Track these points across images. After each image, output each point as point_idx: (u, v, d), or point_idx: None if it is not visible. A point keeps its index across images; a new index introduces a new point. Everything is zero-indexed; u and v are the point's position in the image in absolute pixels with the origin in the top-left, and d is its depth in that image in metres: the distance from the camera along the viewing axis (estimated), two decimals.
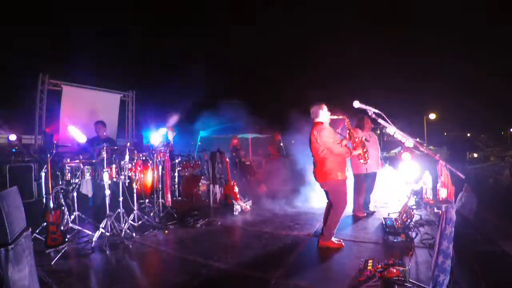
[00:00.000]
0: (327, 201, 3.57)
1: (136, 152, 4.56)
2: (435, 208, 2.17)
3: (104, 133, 5.07)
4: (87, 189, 4.96)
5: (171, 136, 6.37)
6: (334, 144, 3.31)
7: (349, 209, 4.93)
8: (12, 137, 6.62)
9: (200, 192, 6.34)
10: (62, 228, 3.28)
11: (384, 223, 3.80)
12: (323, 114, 3.48)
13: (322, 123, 3.47)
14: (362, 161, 3.64)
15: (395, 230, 3.54)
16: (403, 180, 6.42)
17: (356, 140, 3.55)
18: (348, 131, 3.54)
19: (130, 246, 3.56)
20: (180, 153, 6.93)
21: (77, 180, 4.05)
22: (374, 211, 4.98)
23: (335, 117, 3.55)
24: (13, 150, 6.63)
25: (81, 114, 7.88)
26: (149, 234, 4.05)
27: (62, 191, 3.72)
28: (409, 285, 2.30)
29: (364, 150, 3.60)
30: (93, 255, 3.32)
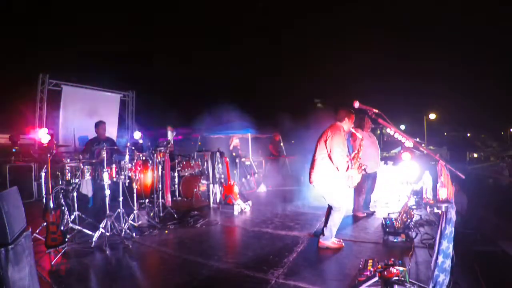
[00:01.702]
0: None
1: (136, 152, 4.56)
2: (435, 208, 2.17)
3: (105, 134, 5.07)
4: (87, 189, 4.97)
5: (171, 136, 6.37)
6: (338, 153, 3.23)
7: (349, 208, 4.95)
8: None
9: (200, 192, 6.35)
10: (62, 228, 3.27)
11: (384, 223, 3.80)
12: (347, 122, 3.45)
13: (340, 128, 3.41)
14: (348, 182, 3.37)
15: (395, 230, 3.54)
16: (403, 180, 6.43)
17: (357, 163, 3.42)
18: (356, 152, 3.46)
19: (130, 246, 3.55)
20: (180, 152, 6.95)
21: (77, 180, 4.05)
22: (374, 211, 4.99)
23: (354, 131, 3.54)
24: (13, 150, 6.63)
25: (81, 114, 7.89)
26: (149, 234, 4.05)
27: (62, 191, 3.72)
28: (409, 285, 2.29)
29: (357, 177, 3.37)
30: (93, 255, 3.32)
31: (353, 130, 3.54)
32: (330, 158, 3.29)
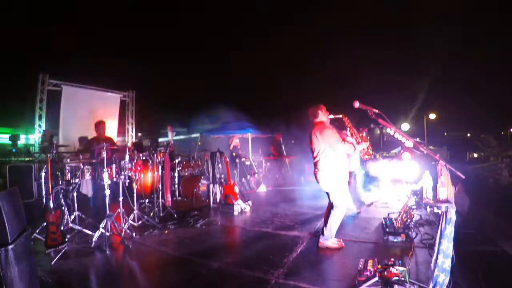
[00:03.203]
0: (328, 201, 3.57)
1: (136, 152, 4.56)
2: (435, 208, 2.17)
3: (104, 134, 5.06)
4: (87, 189, 4.97)
5: (171, 136, 6.37)
6: (338, 142, 3.29)
7: (350, 208, 4.96)
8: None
9: (200, 192, 6.35)
10: (62, 228, 3.28)
11: (384, 223, 3.79)
12: (322, 114, 3.49)
13: (323, 122, 3.47)
14: (366, 156, 3.59)
15: (395, 230, 3.54)
16: (403, 180, 6.43)
17: (360, 135, 3.55)
18: (348, 129, 3.54)
19: (130, 246, 3.56)
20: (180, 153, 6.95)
21: (77, 180, 4.05)
22: (372, 202, 5.00)
23: (333, 116, 3.57)
24: (13, 150, 6.64)
25: (81, 114, 7.89)
26: (149, 234, 4.06)
27: (62, 191, 3.72)
28: (409, 285, 2.29)
29: (365, 145, 3.55)
30: (93, 255, 3.32)
31: (331, 116, 3.58)
32: (333, 152, 3.32)
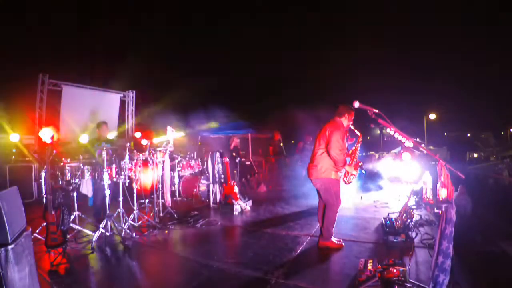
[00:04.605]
0: (318, 200, 3.55)
1: (136, 152, 4.56)
2: (435, 208, 2.17)
3: (106, 134, 5.06)
4: (87, 189, 4.97)
5: (171, 136, 6.36)
6: (337, 148, 3.24)
7: (348, 207, 4.97)
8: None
9: (200, 192, 6.34)
10: (62, 228, 3.28)
11: (384, 223, 3.80)
12: (346, 118, 3.46)
13: (340, 123, 3.44)
14: (345, 179, 3.53)
15: (395, 230, 3.54)
16: (403, 180, 6.43)
17: (355, 160, 3.52)
18: (354, 148, 3.53)
19: (130, 246, 3.56)
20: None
21: (77, 180, 4.05)
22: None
23: (353, 128, 3.56)
24: (13, 150, 6.64)
25: (81, 114, 7.89)
26: (149, 234, 4.06)
27: (62, 191, 3.71)
28: (409, 285, 2.30)
29: (353, 173, 3.51)
30: (93, 255, 3.33)
31: (351, 127, 3.56)
32: (328, 153, 3.29)
